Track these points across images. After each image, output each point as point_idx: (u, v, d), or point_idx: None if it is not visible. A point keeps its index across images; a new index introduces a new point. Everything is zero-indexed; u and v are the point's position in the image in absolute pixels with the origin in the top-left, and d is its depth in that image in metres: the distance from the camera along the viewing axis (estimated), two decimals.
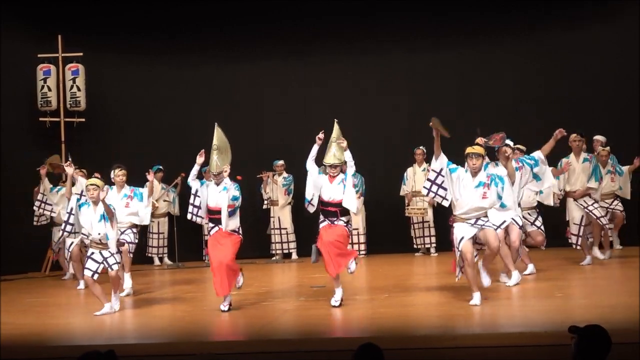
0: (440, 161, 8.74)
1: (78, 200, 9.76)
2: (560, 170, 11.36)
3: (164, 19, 15.45)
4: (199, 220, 9.65)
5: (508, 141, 10.24)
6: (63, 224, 9.98)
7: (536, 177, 10.32)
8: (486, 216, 8.81)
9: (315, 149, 9.31)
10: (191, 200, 9.52)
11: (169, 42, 15.45)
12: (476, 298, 8.63)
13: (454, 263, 8.96)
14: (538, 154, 10.37)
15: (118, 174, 10.88)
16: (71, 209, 9.73)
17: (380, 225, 14.92)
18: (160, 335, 8.46)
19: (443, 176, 8.72)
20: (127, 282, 10.99)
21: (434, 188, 8.79)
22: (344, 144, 9.26)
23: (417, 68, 15.43)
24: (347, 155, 9.27)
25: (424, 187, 8.97)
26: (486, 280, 8.98)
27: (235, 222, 9.38)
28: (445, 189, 8.74)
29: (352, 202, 9.26)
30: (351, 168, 9.28)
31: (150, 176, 11.15)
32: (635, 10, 14.15)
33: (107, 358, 4.17)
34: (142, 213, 11.02)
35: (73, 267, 12.47)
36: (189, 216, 9.62)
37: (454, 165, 8.79)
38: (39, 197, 12.95)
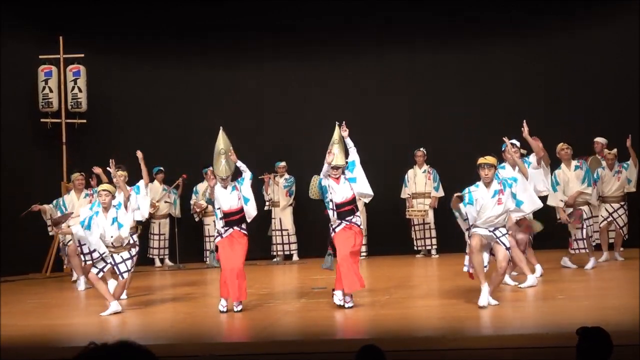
0: (461, 213, 8.73)
1: (82, 223, 9.70)
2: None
3: (164, 21, 15.45)
4: None
5: (514, 141, 10.22)
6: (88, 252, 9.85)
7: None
8: (504, 226, 8.82)
9: (326, 166, 9.34)
10: (220, 215, 9.55)
11: (169, 44, 15.46)
12: (484, 292, 8.53)
13: (470, 274, 8.89)
14: (532, 157, 10.35)
15: (115, 175, 10.80)
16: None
17: (381, 226, 14.91)
18: (162, 337, 8.46)
19: (467, 215, 8.74)
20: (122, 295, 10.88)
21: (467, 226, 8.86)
22: (345, 133, 9.35)
23: (418, 69, 15.44)
24: (349, 142, 9.38)
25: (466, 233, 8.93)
26: (492, 302, 8.75)
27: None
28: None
29: (366, 186, 9.40)
30: (353, 149, 9.39)
31: (139, 154, 10.85)
32: (635, 11, 14.15)
33: None
34: (142, 205, 10.84)
35: (70, 262, 12.42)
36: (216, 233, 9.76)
37: (467, 197, 8.73)
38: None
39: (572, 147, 11.75)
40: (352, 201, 9.33)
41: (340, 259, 9.09)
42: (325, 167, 9.31)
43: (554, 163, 11.57)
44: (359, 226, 9.32)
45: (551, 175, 11.18)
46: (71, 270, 13.18)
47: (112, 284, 10.82)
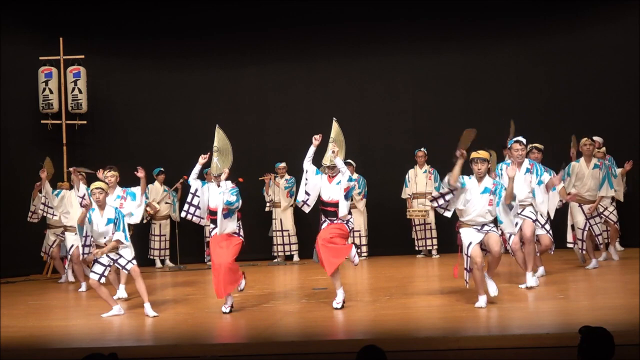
0: (458, 181, 8.64)
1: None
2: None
3: (165, 22, 15.47)
4: (195, 219, 9.64)
5: (520, 138, 10.17)
6: (82, 248, 9.61)
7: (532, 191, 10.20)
8: (493, 223, 8.80)
9: (312, 149, 9.35)
10: (189, 199, 9.51)
11: (170, 45, 15.47)
12: (482, 301, 8.62)
13: (456, 269, 8.90)
14: (546, 178, 10.22)
15: (107, 175, 10.68)
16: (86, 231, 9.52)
17: (382, 226, 14.93)
18: (163, 338, 8.46)
19: (453, 194, 8.69)
20: (122, 293, 10.92)
21: (441, 201, 8.80)
22: (336, 150, 9.29)
23: (420, 71, 15.43)
24: (339, 163, 9.29)
25: (432, 196, 8.93)
26: (492, 289, 8.75)
27: (232, 225, 9.40)
28: (448, 202, 8.74)
29: (343, 207, 9.27)
30: (345, 175, 9.30)
31: (140, 173, 10.93)
32: (636, 11, 14.16)
33: None
34: (135, 212, 10.75)
35: (73, 269, 12.45)
36: (183, 214, 9.62)
37: (463, 179, 8.72)
38: (42, 200, 12.86)
39: (595, 145, 11.78)
40: (337, 205, 9.28)
41: (317, 243, 9.23)
42: (311, 148, 9.30)
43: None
44: (342, 224, 9.30)
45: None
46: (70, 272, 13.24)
47: (121, 289, 10.82)
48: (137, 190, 10.85)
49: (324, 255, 9.13)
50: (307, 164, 9.37)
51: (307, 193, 9.38)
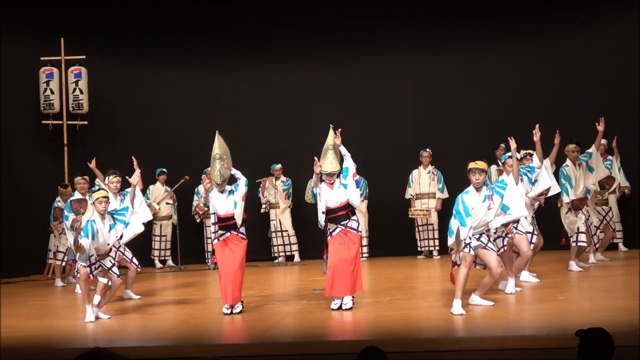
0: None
1: (86, 234, 9.09)
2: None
3: (165, 22, 15.47)
4: None
5: (509, 153, 10.15)
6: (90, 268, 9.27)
7: (532, 182, 10.27)
8: (488, 230, 8.80)
9: (315, 177, 9.30)
10: (212, 220, 9.54)
11: (172, 46, 15.46)
12: (457, 303, 8.49)
13: (452, 275, 8.81)
14: (535, 161, 10.31)
15: (112, 181, 10.51)
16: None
17: (383, 227, 14.90)
18: (163, 338, 8.47)
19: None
20: (131, 295, 10.93)
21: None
22: (339, 140, 9.28)
23: (422, 70, 15.42)
24: (343, 150, 9.30)
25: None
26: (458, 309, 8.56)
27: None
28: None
29: (354, 196, 9.26)
30: (349, 159, 9.30)
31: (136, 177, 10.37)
32: (636, 12, 14.16)
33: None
34: (142, 211, 10.29)
35: (80, 287, 11.99)
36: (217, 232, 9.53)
37: (462, 208, 8.59)
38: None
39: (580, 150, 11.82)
40: (347, 206, 9.24)
41: (329, 266, 9.15)
42: (314, 177, 9.29)
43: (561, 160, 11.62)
44: (355, 230, 9.24)
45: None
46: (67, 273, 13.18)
47: (97, 299, 10.68)
48: (129, 191, 10.09)
49: (338, 278, 9.03)
50: (317, 189, 9.37)
51: (323, 213, 9.33)
